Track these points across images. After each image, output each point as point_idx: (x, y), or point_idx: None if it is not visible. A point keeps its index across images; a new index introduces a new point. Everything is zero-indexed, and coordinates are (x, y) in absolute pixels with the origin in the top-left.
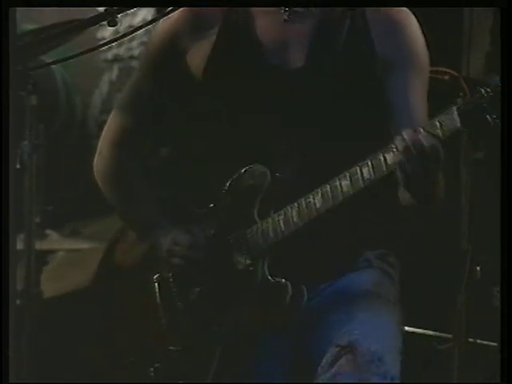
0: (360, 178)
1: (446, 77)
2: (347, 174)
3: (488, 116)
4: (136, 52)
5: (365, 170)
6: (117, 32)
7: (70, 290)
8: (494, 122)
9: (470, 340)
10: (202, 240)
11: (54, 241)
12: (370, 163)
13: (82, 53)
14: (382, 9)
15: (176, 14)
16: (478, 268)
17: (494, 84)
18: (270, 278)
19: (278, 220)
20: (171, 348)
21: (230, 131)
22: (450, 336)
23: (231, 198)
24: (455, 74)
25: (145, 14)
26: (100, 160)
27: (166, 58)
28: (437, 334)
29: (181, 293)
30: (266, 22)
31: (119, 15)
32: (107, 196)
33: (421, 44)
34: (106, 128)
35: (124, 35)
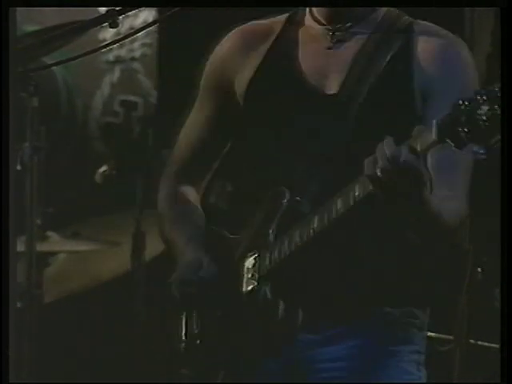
0: (351, 196)
1: None
2: (341, 193)
3: (462, 130)
4: (137, 53)
5: (356, 187)
6: (118, 33)
7: (72, 291)
8: (467, 136)
9: (472, 341)
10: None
11: (55, 242)
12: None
13: (84, 54)
14: (433, 32)
15: (226, 41)
16: (479, 269)
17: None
18: (269, 298)
19: (290, 243)
20: (183, 371)
21: (261, 154)
22: (451, 337)
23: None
24: None
25: (146, 15)
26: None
27: (217, 83)
28: (438, 335)
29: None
30: (310, 49)
31: (121, 17)
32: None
33: (471, 77)
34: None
35: (125, 37)
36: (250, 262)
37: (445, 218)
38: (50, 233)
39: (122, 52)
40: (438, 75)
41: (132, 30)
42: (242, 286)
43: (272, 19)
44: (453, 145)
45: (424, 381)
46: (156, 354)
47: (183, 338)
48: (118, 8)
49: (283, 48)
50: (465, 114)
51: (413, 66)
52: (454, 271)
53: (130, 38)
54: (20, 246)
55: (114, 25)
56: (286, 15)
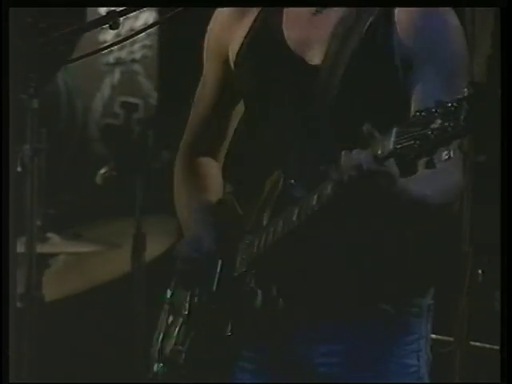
0: (325, 194)
1: None
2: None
3: (414, 143)
4: (138, 55)
5: (329, 187)
6: (118, 35)
7: (72, 292)
8: (420, 146)
9: (472, 343)
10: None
11: (55, 244)
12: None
13: (84, 56)
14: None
15: (218, 13)
16: (480, 271)
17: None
18: (253, 286)
19: (275, 232)
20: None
21: (249, 129)
22: (451, 339)
23: (245, 200)
24: None
25: (146, 17)
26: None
27: (215, 51)
28: (438, 337)
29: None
30: (293, 16)
31: (121, 18)
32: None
33: (461, 50)
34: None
35: (126, 38)
36: (244, 243)
37: (433, 199)
38: (50, 234)
39: (123, 54)
40: (419, 45)
41: (132, 32)
42: (233, 269)
43: None
44: (407, 156)
45: (424, 368)
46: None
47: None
48: (118, 9)
49: (268, 15)
50: (420, 127)
51: (393, 35)
52: (455, 273)
53: (130, 40)
54: (20, 247)
55: (114, 26)
56: None
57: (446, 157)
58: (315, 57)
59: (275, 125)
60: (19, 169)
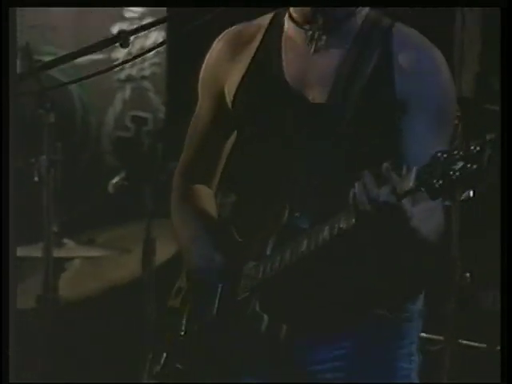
0: (336, 227)
1: None
2: (328, 223)
3: (437, 182)
4: (147, 72)
5: (341, 220)
6: (129, 53)
7: (86, 294)
8: (440, 189)
9: (461, 342)
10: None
11: (70, 249)
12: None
13: (97, 73)
14: (413, 42)
15: (216, 45)
16: (468, 274)
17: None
18: (257, 310)
19: (281, 260)
20: (178, 366)
21: (252, 163)
22: (441, 338)
23: (249, 230)
24: None
25: (156, 36)
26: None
27: (210, 87)
28: (429, 336)
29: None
30: (292, 54)
31: (131, 37)
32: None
33: (449, 92)
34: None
35: (136, 56)
36: (247, 269)
37: (427, 237)
38: (66, 240)
39: (133, 71)
40: (414, 88)
41: (142, 50)
42: (237, 292)
43: (258, 20)
44: (427, 195)
45: (415, 370)
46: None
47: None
48: (129, 29)
49: (267, 54)
50: (441, 167)
51: (394, 78)
52: (444, 275)
53: (140, 58)
54: (38, 252)
55: (125, 45)
56: (270, 16)
57: (467, 196)
58: (318, 95)
59: (277, 160)
60: (36, 179)
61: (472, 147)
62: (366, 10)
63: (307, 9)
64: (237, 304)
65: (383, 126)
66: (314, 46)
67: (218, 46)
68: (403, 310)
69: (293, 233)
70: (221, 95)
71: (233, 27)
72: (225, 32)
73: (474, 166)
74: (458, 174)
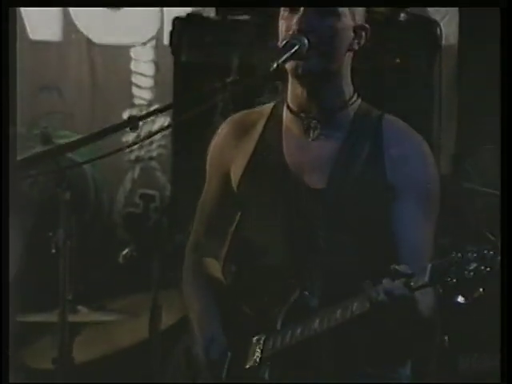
0: (349, 310)
1: None
2: (341, 305)
3: (451, 280)
4: (154, 153)
5: (354, 304)
6: (138, 136)
7: (98, 356)
8: (454, 286)
9: None
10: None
11: (84, 314)
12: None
13: (109, 154)
14: (400, 131)
15: (221, 131)
16: (446, 337)
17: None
18: (266, 379)
19: (292, 335)
20: None
21: (259, 243)
22: None
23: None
24: None
25: (162, 121)
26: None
27: (217, 170)
28: None
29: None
30: (292, 142)
31: (140, 122)
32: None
33: (433, 176)
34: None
35: (144, 139)
36: (256, 341)
37: (424, 313)
38: (80, 306)
39: (142, 152)
40: (404, 175)
41: (150, 134)
42: (245, 361)
43: (259, 109)
44: (441, 291)
45: None
46: None
47: None
48: (138, 115)
49: (269, 142)
50: (455, 266)
51: (385, 166)
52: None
53: (148, 140)
54: (54, 318)
55: (134, 129)
56: (270, 106)
57: (479, 294)
58: (317, 181)
59: (279, 242)
60: (54, 251)
61: (486, 251)
62: (358, 101)
63: (303, 99)
64: (245, 372)
65: (377, 210)
66: (310, 134)
67: (223, 131)
68: (394, 372)
69: (303, 310)
70: (227, 177)
71: (236, 114)
72: (230, 118)
73: (488, 269)
74: (472, 273)
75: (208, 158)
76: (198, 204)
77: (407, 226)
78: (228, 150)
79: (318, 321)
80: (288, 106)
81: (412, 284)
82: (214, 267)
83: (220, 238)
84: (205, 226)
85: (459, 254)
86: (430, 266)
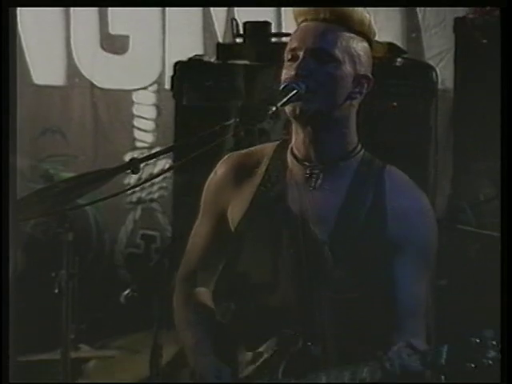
0: (358, 374)
1: None
2: (351, 367)
3: (469, 365)
4: (155, 195)
5: (365, 370)
6: (139, 179)
7: None
8: (474, 370)
9: None
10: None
11: (85, 352)
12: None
13: (111, 196)
14: (402, 184)
15: (219, 169)
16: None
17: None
18: None
19: None
20: None
21: (257, 286)
22: None
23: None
24: None
25: (163, 163)
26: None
27: (212, 207)
28: None
29: None
30: (295, 189)
31: (141, 165)
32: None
33: (434, 234)
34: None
35: (145, 181)
36: None
37: None
38: (81, 345)
39: (143, 194)
40: (405, 230)
41: (151, 176)
42: None
43: (260, 148)
44: (460, 373)
45: None
46: None
47: None
48: (139, 157)
49: (272, 186)
50: (473, 352)
51: (387, 220)
52: None
53: (149, 182)
54: (57, 356)
55: (135, 171)
56: (272, 146)
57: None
58: (320, 233)
59: (279, 289)
60: (56, 290)
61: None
62: (361, 152)
63: (306, 146)
64: None
65: (378, 265)
66: (313, 183)
67: (221, 170)
68: None
69: (305, 361)
70: (222, 217)
71: (235, 153)
72: (227, 156)
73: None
74: (490, 362)
75: (204, 194)
76: (190, 236)
77: (407, 283)
78: (226, 190)
79: (324, 379)
80: (292, 152)
81: (428, 362)
82: (206, 297)
83: (211, 272)
84: (197, 258)
85: (477, 340)
86: (446, 347)
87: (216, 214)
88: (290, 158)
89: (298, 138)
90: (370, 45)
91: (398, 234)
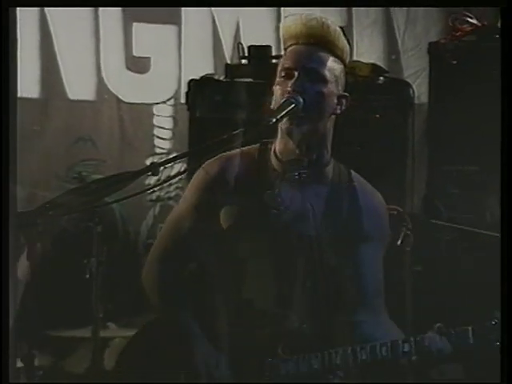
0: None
1: (395, 212)
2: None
3: (496, 341)
4: (172, 194)
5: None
6: (158, 180)
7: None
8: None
9: None
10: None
11: (113, 330)
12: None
13: (134, 195)
14: (366, 185)
15: (208, 168)
16: None
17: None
18: None
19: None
20: None
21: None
22: None
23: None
24: (400, 209)
25: (179, 166)
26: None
27: (206, 205)
28: None
29: None
30: (284, 189)
31: (160, 168)
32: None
33: (387, 223)
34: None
35: (163, 182)
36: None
37: None
38: (109, 323)
39: (162, 193)
40: (375, 224)
41: (168, 178)
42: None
43: (246, 150)
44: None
45: None
46: None
47: None
48: (158, 161)
49: (260, 186)
50: (497, 331)
51: (363, 218)
52: None
53: (167, 183)
54: (88, 333)
55: (155, 173)
56: (257, 148)
57: None
58: (310, 229)
59: (267, 284)
60: (87, 276)
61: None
62: (332, 161)
63: (294, 153)
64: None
65: (355, 255)
66: (301, 184)
67: (214, 171)
68: None
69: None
70: (215, 216)
71: (225, 153)
72: (219, 156)
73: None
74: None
75: (194, 189)
76: (169, 219)
77: (372, 268)
78: (219, 191)
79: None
80: (275, 155)
81: (454, 342)
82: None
83: (186, 252)
84: (176, 242)
85: (493, 322)
86: (470, 329)
87: (207, 213)
88: (273, 160)
89: (285, 146)
90: (345, 68)
91: (370, 227)
